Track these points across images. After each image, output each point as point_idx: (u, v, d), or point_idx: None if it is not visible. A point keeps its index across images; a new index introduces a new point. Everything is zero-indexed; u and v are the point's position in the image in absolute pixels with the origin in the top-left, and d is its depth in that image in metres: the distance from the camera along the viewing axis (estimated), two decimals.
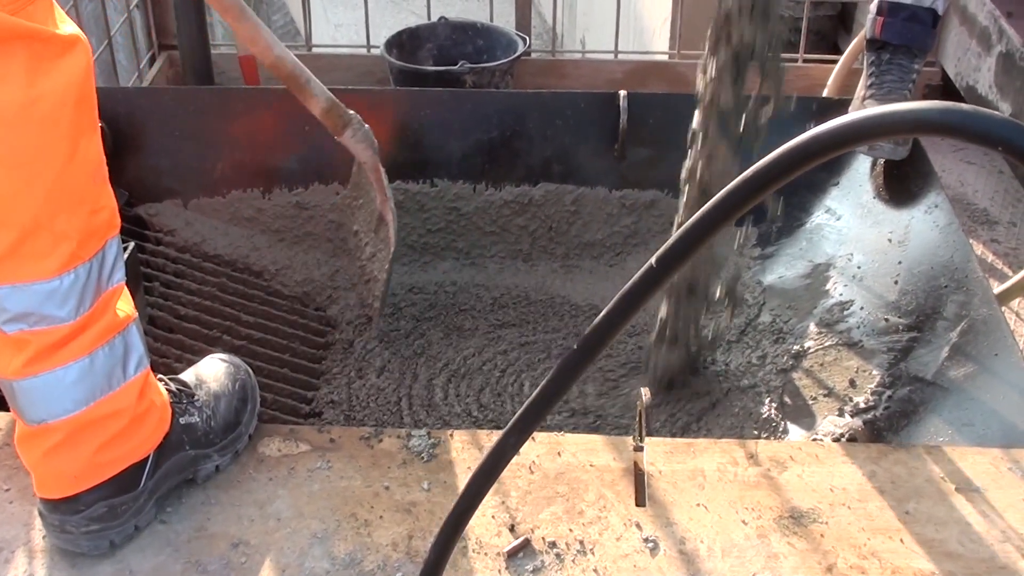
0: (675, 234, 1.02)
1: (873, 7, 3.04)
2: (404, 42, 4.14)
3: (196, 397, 1.97)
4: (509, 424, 1.26)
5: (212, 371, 2.06)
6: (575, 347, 1.14)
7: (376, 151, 2.74)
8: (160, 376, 1.92)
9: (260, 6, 6.46)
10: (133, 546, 1.82)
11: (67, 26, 1.59)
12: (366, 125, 2.70)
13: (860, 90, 3.09)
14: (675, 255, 1.02)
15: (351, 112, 2.66)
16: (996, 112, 0.86)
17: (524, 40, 4.10)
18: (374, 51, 4.18)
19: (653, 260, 1.04)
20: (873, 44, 3.06)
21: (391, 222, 2.73)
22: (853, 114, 0.91)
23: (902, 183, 3.00)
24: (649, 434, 2.02)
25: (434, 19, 4.26)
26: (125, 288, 1.78)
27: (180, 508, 1.90)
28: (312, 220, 3.28)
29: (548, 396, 1.21)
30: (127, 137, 3.20)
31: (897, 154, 2.96)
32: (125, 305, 1.77)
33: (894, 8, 2.98)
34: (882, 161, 3.06)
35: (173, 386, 1.95)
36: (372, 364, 2.94)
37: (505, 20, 4.40)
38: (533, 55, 4.32)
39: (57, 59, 1.55)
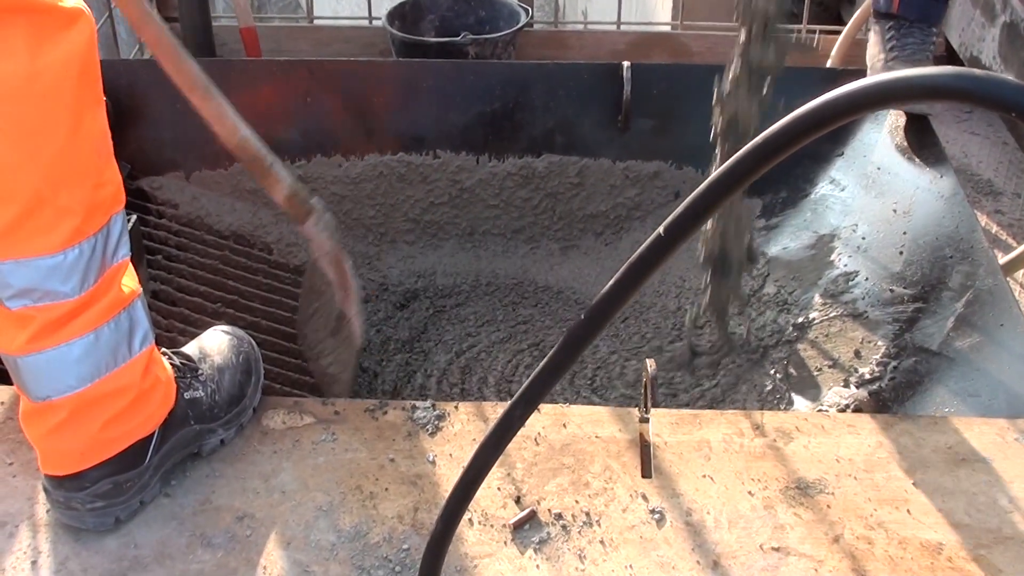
0: (684, 202, 1.01)
1: None
2: (406, 13, 4.12)
3: (200, 371, 1.96)
4: (516, 395, 1.25)
5: (216, 344, 2.05)
6: (583, 316, 1.13)
7: (338, 242, 2.53)
8: (164, 350, 1.91)
9: None
10: (138, 520, 1.82)
11: None
12: (328, 213, 2.50)
13: (879, 54, 3.08)
14: (684, 223, 1.01)
15: (314, 200, 2.48)
16: (1010, 77, 0.85)
17: (526, 11, 4.08)
18: (376, 23, 4.16)
19: (662, 228, 1.03)
20: (887, 17, 3.06)
21: (356, 316, 2.54)
22: (867, 79, 0.90)
23: (915, 144, 3.00)
24: (655, 405, 2.02)
25: None
26: (130, 263, 1.77)
27: (185, 481, 1.90)
28: (314, 193, 3.26)
29: (555, 366, 1.20)
30: (129, 109, 3.19)
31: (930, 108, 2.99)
32: (130, 281, 1.76)
33: None
34: (902, 121, 3.06)
35: (177, 360, 1.94)
36: (366, 348, 2.94)
37: None
38: (535, 26, 4.30)
39: (60, 32, 1.54)
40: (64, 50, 1.54)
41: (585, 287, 3.22)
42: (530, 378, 1.22)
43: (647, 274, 1.07)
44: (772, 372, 2.67)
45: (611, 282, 1.09)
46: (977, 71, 0.85)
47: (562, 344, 1.17)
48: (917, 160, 2.94)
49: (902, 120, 3.07)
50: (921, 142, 2.98)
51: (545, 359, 1.20)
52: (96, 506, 1.78)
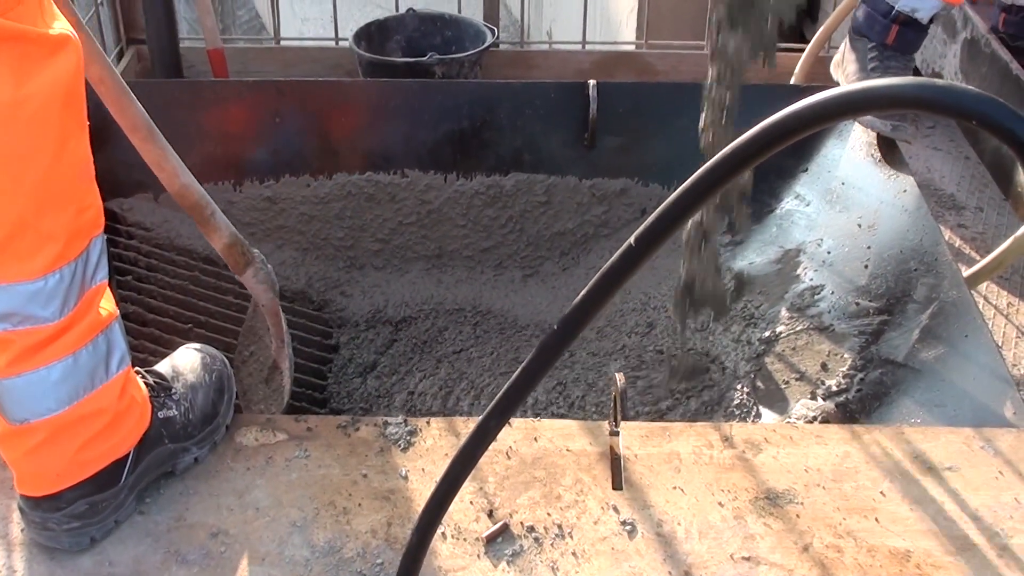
0: (654, 213, 1.03)
1: (879, 8, 3.08)
2: (372, 34, 4.14)
3: (173, 390, 1.96)
4: (490, 407, 1.27)
5: (188, 362, 2.06)
6: (555, 327, 1.15)
7: (277, 293, 2.51)
8: (137, 369, 1.92)
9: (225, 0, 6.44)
10: (113, 538, 1.82)
11: (58, 24, 1.58)
12: (269, 265, 2.49)
13: (859, 72, 3.13)
14: (654, 234, 1.03)
15: (254, 251, 2.45)
16: (970, 87, 0.87)
17: (492, 31, 4.10)
18: (342, 44, 4.18)
19: (632, 240, 1.05)
20: (871, 42, 3.12)
21: (286, 370, 2.53)
22: (833, 90, 0.92)
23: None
24: (624, 419, 2.04)
25: (402, 11, 4.25)
26: (108, 286, 1.77)
27: (159, 499, 1.90)
28: (284, 213, 3.27)
29: (528, 377, 1.22)
30: (97, 131, 3.14)
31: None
32: (108, 303, 1.76)
33: (910, 22, 3.04)
34: (867, 137, 3.12)
35: (151, 379, 1.94)
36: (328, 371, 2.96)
37: (472, 12, 4.41)
38: (501, 46, 4.32)
39: (46, 59, 1.54)
40: (49, 77, 1.53)
41: (536, 315, 3.23)
42: (503, 390, 1.23)
43: (618, 284, 1.09)
44: (740, 386, 2.70)
45: (583, 292, 1.11)
46: (939, 81, 0.88)
47: (535, 355, 1.19)
48: (881, 175, 2.97)
49: (868, 136, 3.11)
50: (885, 157, 3.02)
51: (518, 370, 1.21)
52: (72, 526, 1.78)
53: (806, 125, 0.93)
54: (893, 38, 3.08)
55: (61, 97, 1.55)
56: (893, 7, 3.05)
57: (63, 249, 1.61)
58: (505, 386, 1.22)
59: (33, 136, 1.54)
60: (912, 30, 3.07)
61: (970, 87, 0.87)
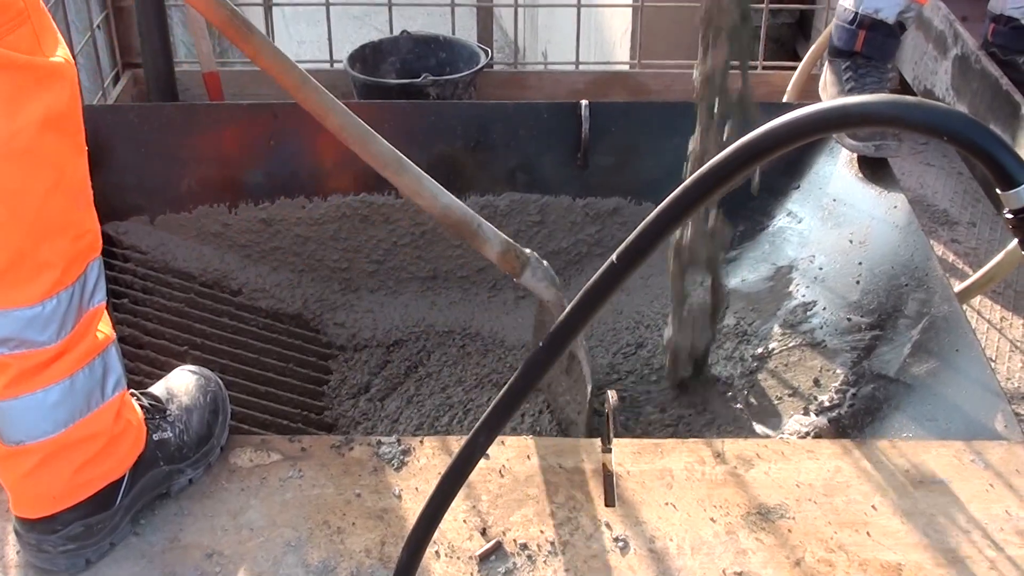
0: (635, 231, 1.05)
1: (845, 18, 3.10)
2: (367, 56, 4.16)
3: (168, 412, 1.97)
4: (478, 424, 1.28)
5: (183, 384, 2.06)
6: (541, 344, 1.16)
7: (559, 287, 2.51)
8: (131, 391, 1.92)
9: None
10: (108, 559, 1.83)
11: (53, 51, 1.57)
12: (544, 262, 2.48)
13: (839, 94, 3.14)
14: (636, 251, 1.04)
15: (527, 251, 2.45)
16: (941, 103, 0.89)
17: (486, 52, 4.12)
18: (337, 66, 4.19)
19: (614, 257, 1.07)
20: (844, 55, 3.13)
21: (583, 359, 2.53)
22: (808, 108, 0.94)
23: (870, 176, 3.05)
24: (617, 435, 2.05)
25: (396, 33, 4.27)
26: (105, 309, 1.78)
27: (153, 520, 1.91)
28: (279, 235, 3.28)
29: (515, 394, 1.23)
30: (92, 155, 3.15)
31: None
32: (105, 326, 1.77)
33: (876, 24, 3.06)
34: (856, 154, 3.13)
35: (146, 401, 1.94)
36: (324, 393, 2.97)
37: (467, 33, 4.43)
38: (495, 67, 4.34)
39: (40, 89, 1.53)
40: (44, 106, 1.53)
41: (525, 336, 3.22)
42: (490, 407, 1.24)
43: (601, 301, 1.10)
44: (732, 402, 2.70)
45: (567, 310, 1.12)
46: (909, 98, 0.89)
47: (521, 371, 1.20)
48: (872, 191, 2.99)
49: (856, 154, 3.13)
50: (876, 174, 3.03)
51: (505, 387, 1.22)
52: (67, 548, 1.78)
53: (782, 143, 0.95)
54: (861, 44, 3.09)
55: (57, 126, 1.55)
56: (856, 12, 3.07)
57: (61, 275, 1.61)
58: (491, 404, 1.23)
59: (29, 167, 1.54)
60: (881, 33, 3.08)
61: (940, 104, 0.88)
